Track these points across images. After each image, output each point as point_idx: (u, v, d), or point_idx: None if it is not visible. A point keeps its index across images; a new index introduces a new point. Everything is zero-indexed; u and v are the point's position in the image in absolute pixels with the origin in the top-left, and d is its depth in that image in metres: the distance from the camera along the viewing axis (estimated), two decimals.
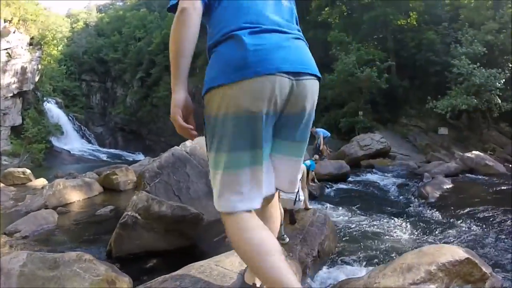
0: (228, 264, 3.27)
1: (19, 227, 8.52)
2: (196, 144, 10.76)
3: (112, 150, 61.36)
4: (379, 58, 34.61)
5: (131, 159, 47.13)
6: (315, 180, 15.33)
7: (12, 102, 41.36)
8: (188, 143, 10.89)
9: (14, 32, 41.19)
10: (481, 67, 29.16)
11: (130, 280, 4.56)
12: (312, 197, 13.26)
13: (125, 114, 68.36)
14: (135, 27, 74.87)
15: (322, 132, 21.75)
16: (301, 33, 2.60)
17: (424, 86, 35.44)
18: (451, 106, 28.72)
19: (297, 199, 7.16)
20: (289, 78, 2.26)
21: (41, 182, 17.10)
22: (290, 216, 7.39)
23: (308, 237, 6.94)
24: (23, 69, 41.84)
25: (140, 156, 52.08)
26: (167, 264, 6.35)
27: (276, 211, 2.74)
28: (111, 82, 75.10)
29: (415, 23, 38.98)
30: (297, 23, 2.71)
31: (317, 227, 7.33)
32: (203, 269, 3.26)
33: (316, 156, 16.75)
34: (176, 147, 10.88)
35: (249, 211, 2.37)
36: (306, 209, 8.02)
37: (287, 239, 6.64)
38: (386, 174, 20.11)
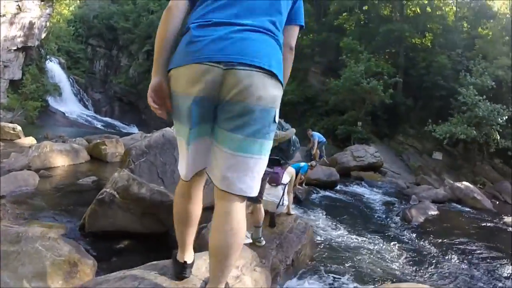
0: (194, 268, 3.12)
1: None
2: None
3: (107, 119, 60.42)
4: (387, 72, 34.52)
5: (124, 131, 46.65)
6: (303, 184, 15.22)
7: (14, 56, 40.40)
8: None
9: None
10: (487, 100, 29.11)
11: (95, 262, 4.40)
12: (297, 200, 13.19)
13: (126, 84, 67.30)
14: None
15: (317, 136, 21.62)
16: (272, 26, 2.60)
17: (427, 108, 35.46)
18: (449, 133, 28.62)
19: (280, 203, 7.01)
20: (219, 67, 2.34)
21: (30, 140, 16.82)
22: (271, 218, 7.19)
23: (285, 243, 6.77)
24: (31, 24, 40.81)
25: (134, 129, 51.65)
26: (138, 248, 6.34)
27: (242, 219, 2.60)
28: (117, 50, 73.56)
29: (429, 44, 39.03)
30: (279, 13, 2.67)
31: (296, 234, 7.17)
32: (165, 270, 3.09)
33: (314, 163, 16.56)
34: (168, 128, 10.69)
35: (187, 180, 2.78)
36: (288, 214, 7.81)
37: (263, 242, 6.46)
38: (374, 189, 19.93)
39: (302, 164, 15.46)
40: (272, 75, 2.46)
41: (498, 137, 29.12)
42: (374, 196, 17.60)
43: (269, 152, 2.63)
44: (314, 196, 15.27)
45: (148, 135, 11.43)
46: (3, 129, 17.15)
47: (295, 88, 40.24)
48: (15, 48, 40.04)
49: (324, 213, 12.34)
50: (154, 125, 42.35)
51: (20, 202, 7.90)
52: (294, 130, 5.79)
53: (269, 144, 2.59)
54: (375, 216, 13.61)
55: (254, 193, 2.57)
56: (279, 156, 5.95)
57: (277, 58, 2.54)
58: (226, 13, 2.50)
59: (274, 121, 2.54)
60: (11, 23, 38.95)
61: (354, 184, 20.70)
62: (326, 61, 41.36)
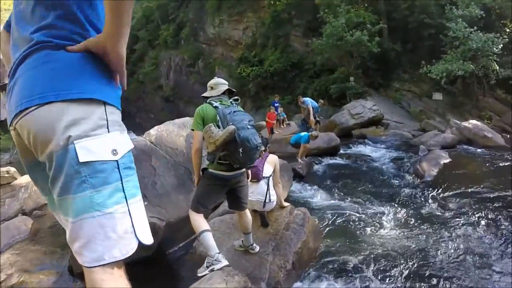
0: None
1: None
2: (163, 131, 9.94)
3: None
4: (369, 20, 33.45)
5: None
6: (304, 157, 14.46)
7: None
8: (153, 131, 10.25)
9: None
10: (478, 31, 28.32)
11: None
12: (299, 176, 12.86)
13: None
14: None
15: (310, 101, 20.71)
16: (37, 34, 1.95)
17: (417, 50, 34.66)
18: (446, 71, 27.86)
19: (266, 201, 6.39)
20: (12, 130, 2.00)
21: (25, 179, 15.97)
22: (261, 218, 6.57)
23: (282, 244, 6.12)
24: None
25: (131, 135, 49.95)
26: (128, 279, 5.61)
27: None
28: None
29: None
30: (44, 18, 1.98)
31: (293, 230, 6.41)
32: None
33: (315, 133, 15.63)
34: (139, 137, 10.49)
35: None
36: (282, 207, 6.84)
37: (257, 248, 5.95)
38: (379, 146, 19.57)
39: (303, 134, 14.80)
40: (49, 104, 1.82)
41: (497, 67, 28.41)
42: (380, 154, 17.13)
43: (118, 199, 1.88)
44: (316, 167, 14.71)
45: None
46: None
47: (279, 56, 39.65)
48: None
49: (329, 187, 11.63)
50: (150, 126, 41.62)
51: (13, 254, 7.56)
52: (233, 127, 4.76)
53: (103, 193, 1.83)
54: (385, 179, 12.78)
55: (124, 253, 1.88)
56: (229, 160, 5.03)
57: (45, 76, 1.87)
58: (14, 55, 2.06)
59: (80, 162, 1.80)
60: None
61: (357, 144, 20.28)
62: (305, 22, 40.19)
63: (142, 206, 1.97)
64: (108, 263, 1.83)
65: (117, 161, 1.86)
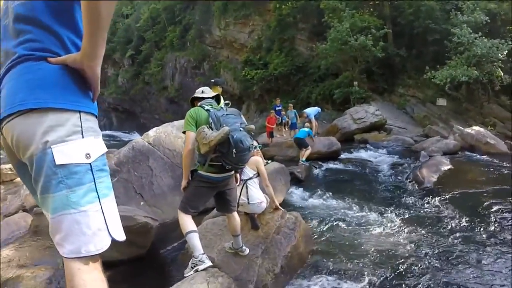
0: None
1: None
2: (161, 133, 10.00)
3: (106, 132, 60.66)
4: (374, 25, 33.43)
5: (126, 139, 46.82)
6: (304, 159, 14.59)
7: None
8: (152, 132, 10.38)
9: None
10: (483, 37, 28.10)
11: None
12: (297, 180, 12.94)
13: (118, 93, 67.86)
14: (122, 4, 73.48)
15: (312, 112, 21.00)
16: (18, 47, 2.11)
17: (422, 55, 34.37)
18: (450, 77, 27.58)
19: (250, 201, 6.52)
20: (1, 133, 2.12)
21: None
22: (251, 221, 6.59)
23: (272, 248, 6.15)
24: None
25: (136, 135, 50.84)
26: (119, 276, 6.23)
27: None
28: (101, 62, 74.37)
29: None
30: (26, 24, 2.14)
31: (284, 234, 6.43)
32: None
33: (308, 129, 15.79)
34: (137, 138, 10.67)
35: None
36: (275, 209, 6.78)
37: (247, 251, 5.98)
38: (380, 151, 19.44)
39: (306, 129, 15.04)
40: (29, 111, 1.99)
41: (502, 74, 28.20)
42: (380, 159, 17.07)
43: (91, 198, 2.03)
44: (315, 172, 14.76)
45: (116, 151, 10.71)
46: (1, 172, 16.77)
47: (283, 59, 39.56)
48: None
49: (326, 191, 11.54)
50: (154, 126, 41.57)
51: (12, 249, 7.73)
52: (227, 128, 4.82)
53: (78, 193, 1.99)
54: (383, 184, 12.75)
55: (98, 248, 2.04)
56: (221, 161, 5.06)
57: (26, 85, 2.03)
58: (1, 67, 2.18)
59: (56, 164, 1.96)
60: None
61: (358, 149, 20.20)
62: (310, 26, 40.25)
63: (115, 205, 2.14)
64: (84, 256, 2.00)
65: (90, 164, 2.02)
